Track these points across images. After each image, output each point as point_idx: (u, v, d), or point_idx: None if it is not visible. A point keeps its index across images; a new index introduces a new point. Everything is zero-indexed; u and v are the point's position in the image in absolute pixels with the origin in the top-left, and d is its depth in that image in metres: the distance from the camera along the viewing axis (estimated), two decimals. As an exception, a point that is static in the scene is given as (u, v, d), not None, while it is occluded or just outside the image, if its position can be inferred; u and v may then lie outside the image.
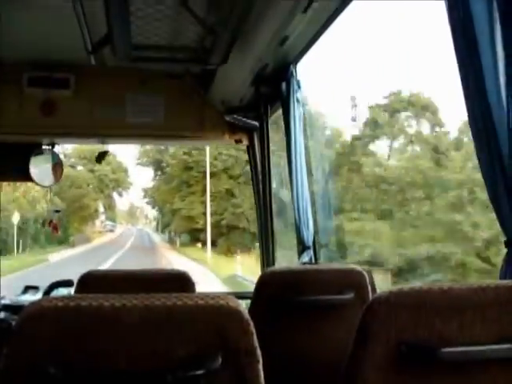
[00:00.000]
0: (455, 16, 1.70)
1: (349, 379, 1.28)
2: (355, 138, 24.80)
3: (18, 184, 26.47)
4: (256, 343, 1.16)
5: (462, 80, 1.72)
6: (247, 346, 1.16)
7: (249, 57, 3.00)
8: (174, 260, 31.90)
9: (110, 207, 69.78)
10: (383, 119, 24.80)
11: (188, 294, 1.17)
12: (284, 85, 3.30)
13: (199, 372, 1.11)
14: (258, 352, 1.17)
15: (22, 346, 1.11)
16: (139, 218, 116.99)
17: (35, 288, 3.55)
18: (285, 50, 2.94)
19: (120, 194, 66.94)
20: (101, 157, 4.02)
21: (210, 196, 37.06)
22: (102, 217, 72.12)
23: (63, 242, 40.17)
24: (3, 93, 3.56)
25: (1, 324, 2.89)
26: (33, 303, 1.15)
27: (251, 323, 1.16)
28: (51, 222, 4.49)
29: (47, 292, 3.17)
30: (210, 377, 1.12)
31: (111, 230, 74.79)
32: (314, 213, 3.50)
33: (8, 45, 3.19)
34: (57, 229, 4.50)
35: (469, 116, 1.72)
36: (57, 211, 5.23)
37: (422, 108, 24.75)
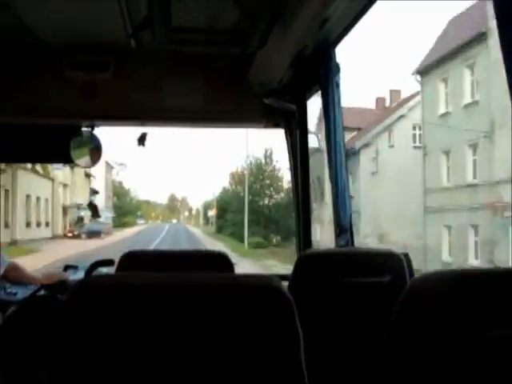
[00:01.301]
0: None
1: (387, 361, 1.28)
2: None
3: None
4: (298, 322, 1.18)
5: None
6: (289, 325, 1.17)
7: (288, 39, 2.98)
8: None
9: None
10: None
11: (232, 274, 1.19)
12: (323, 68, 3.29)
13: (242, 350, 1.13)
14: (300, 331, 1.18)
15: (71, 323, 1.15)
16: (181, 212, 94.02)
17: (75, 267, 3.62)
18: (324, 32, 2.92)
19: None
20: (142, 139, 4.07)
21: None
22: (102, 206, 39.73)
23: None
24: (44, 76, 3.63)
25: (44, 301, 2.97)
26: (80, 281, 1.19)
27: (293, 303, 1.18)
28: (91, 203, 4.50)
29: (89, 271, 3.24)
30: (253, 354, 1.14)
31: (96, 234, 37.46)
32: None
33: (48, 28, 3.24)
34: (97, 210, 4.52)
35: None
36: (95, 192, 5.27)
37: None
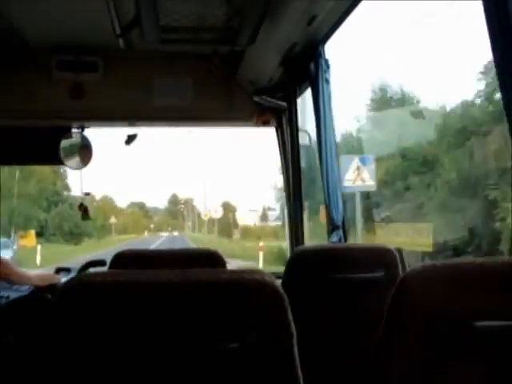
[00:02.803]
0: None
1: (382, 353, 1.28)
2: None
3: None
4: (291, 318, 1.17)
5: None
6: (282, 321, 1.17)
7: (277, 37, 2.98)
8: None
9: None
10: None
11: (224, 270, 1.18)
12: (312, 65, 3.28)
13: (234, 345, 1.12)
14: (293, 327, 1.18)
15: (62, 321, 1.14)
16: (186, 218, 64.74)
17: (67, 270, 3.60)
18: (313, 29, 2.91)
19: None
20: (130, 140, 4.05)
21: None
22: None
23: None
24: (33, 77, 3.61)
25: (37, 302, 2.94)
26: (72, 279, 1.18)
27: (286, 298, 1.17)
28: (81, 205, 4.48)
29: (81, 272, 3.21)
30: (245, 350, 1.14)
31: None
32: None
33: (36, 29, 3.22)
34: (87, 212, 4.49)
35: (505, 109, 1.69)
36: (87, 194, 5.24)
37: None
